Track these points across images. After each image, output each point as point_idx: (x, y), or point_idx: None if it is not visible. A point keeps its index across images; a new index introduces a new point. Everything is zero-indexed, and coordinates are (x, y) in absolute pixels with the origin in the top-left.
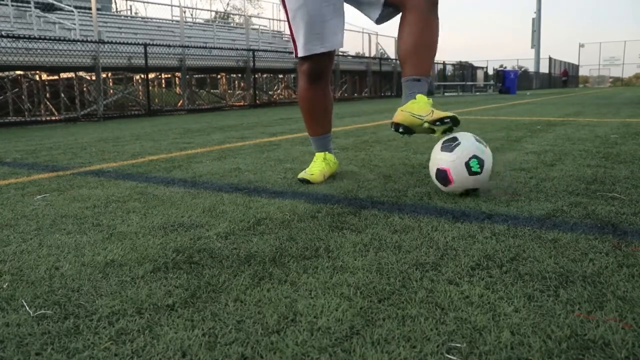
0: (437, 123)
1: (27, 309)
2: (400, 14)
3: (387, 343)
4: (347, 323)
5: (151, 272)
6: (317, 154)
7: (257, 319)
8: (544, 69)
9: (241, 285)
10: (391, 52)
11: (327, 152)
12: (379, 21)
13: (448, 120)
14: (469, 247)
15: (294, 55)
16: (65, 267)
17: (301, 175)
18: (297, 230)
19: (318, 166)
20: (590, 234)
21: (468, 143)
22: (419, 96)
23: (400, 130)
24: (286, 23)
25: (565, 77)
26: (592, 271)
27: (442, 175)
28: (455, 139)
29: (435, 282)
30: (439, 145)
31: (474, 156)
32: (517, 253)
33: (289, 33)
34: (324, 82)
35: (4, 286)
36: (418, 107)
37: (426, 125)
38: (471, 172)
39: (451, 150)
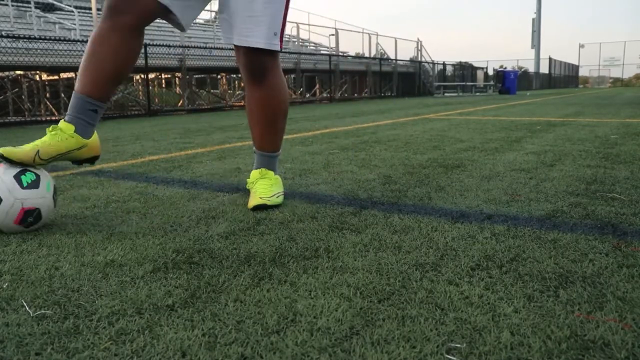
0: None
1: (27, 309)
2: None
3: (387, 343)
4: (347, 323)
5: (151, 272)
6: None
7: (257, 319)
8: (544, 69)
9: (241, 285)
10: (391, 52)
11: (65, 122)
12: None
13: None
14: (469, 247)
15: None
16: (65, 267)
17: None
18: (297, 230)
19: (44, 140)
20: (590, 235)
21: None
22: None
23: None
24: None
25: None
26: (592, 271)
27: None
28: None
29: (435, 283)
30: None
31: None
32: (517, 253)
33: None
34: (130, 26)
35: (4, 286)
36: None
37: None
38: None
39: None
